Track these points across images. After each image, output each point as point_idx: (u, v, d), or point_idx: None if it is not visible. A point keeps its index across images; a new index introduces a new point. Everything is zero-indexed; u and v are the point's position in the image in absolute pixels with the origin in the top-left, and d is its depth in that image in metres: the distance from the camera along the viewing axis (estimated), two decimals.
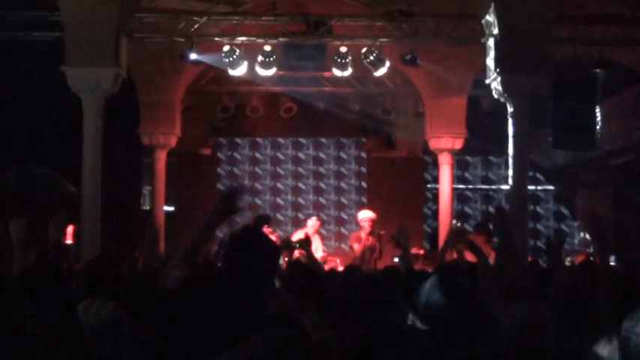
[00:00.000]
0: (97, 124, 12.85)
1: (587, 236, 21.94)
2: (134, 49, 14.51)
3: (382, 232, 15.70)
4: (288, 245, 9.22)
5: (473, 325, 3.65)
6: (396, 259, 11.72)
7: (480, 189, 23.04)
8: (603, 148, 17.01)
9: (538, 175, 22.28)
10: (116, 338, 4.21)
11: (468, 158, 22.63)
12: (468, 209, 22.81)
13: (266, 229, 15.66)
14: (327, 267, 13.16)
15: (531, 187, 19.47)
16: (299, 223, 19.43)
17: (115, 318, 4.26)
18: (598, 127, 15.90)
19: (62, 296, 4.84)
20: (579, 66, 15.56)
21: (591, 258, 13.49)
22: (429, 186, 22.32)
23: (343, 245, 20.07)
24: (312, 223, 16.80)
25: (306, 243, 8.62)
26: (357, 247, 15.74)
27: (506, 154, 13.20)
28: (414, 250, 17.00)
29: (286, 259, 9.10)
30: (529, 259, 12.66)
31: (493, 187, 22.92)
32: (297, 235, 16.11)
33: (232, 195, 4.52)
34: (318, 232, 16.94)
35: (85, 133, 12.80)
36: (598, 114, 15.96)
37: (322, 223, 17.87)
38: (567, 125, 15.00)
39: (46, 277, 4.88)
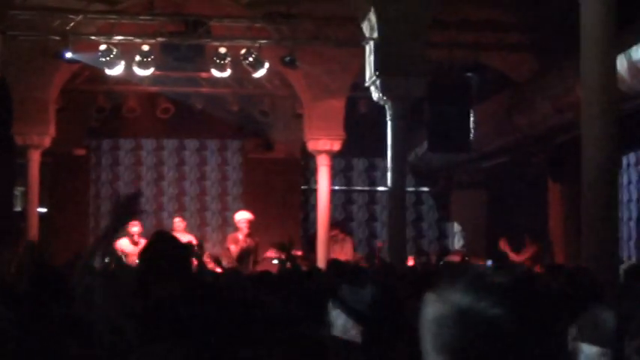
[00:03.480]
0: None
1: (462, 236, 22.40)
2: (7, 47, 14.13)
3: (258, 240, 15.83)
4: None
5: None
6: (275, 262, 11.78)
7: (359, 190, 23.26)
8: (477, 151, 17.36)
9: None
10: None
11: (347, 160, 22.77)
12: (347, 210, 23.00)
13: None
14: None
15: (410, 189, 19.77)
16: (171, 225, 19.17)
17: None
18: (472, 130, 16.20)
19: None
20: (454, 70, 15.86)
21: (466, 258, 13.88)
22: (306, 187, 22.41)
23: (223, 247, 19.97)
24: (178, 222, 16.86)
25: (201, 249, 8.77)
26: (233, 248, 15.74)
27: (385, 155, 13.36)
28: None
29: None
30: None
31: (373, 188, 23.17)
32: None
33: (130, 200, 4.50)
34: (186, 231, 16.98)
35: None
36: (472, 117, 16.28)
37: (187, 222, 17.90)
38: (443, 128, 15.26)
39: None
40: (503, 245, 16.15)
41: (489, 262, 16.38)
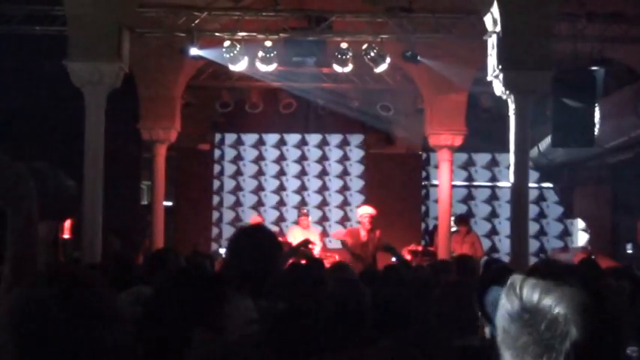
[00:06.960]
0: (99, 119, 12.86)
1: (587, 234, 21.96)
2: (134, 44, 14.48)
3: (379, 235, 15.65)
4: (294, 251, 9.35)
5: None
6: (393, 259, 11.77)
7: (479, 186, 23.00)
8: (602, 146, 17.03)
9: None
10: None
11: (467, 155, 22.56)
12: (467, 206, 22.77)
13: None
14: (326, 263, 13.19)
15: (532, 184, 19.46)
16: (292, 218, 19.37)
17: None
18: (597, 125, 15.89)
19: None
20: (579, 64, 15.58)
21: (593, 256, 13.60)
22: (427, 182, 22.31)
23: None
24: (303, 219, 16.93)
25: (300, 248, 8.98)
26: (349, 242, 15.60)
27: (505, 151, 13.24)
28: (412, 247, 17.06)
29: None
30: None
31: (491, 184, 22.90)
32: (292, 233, 16.23)
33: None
34: (310, 226, 17.11)
35: (87, 128, 12.82)
36: (597, 112, 15.97)
37: (307, 215, 17.75)
38: (567, 123, 14.99)
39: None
40: None
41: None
